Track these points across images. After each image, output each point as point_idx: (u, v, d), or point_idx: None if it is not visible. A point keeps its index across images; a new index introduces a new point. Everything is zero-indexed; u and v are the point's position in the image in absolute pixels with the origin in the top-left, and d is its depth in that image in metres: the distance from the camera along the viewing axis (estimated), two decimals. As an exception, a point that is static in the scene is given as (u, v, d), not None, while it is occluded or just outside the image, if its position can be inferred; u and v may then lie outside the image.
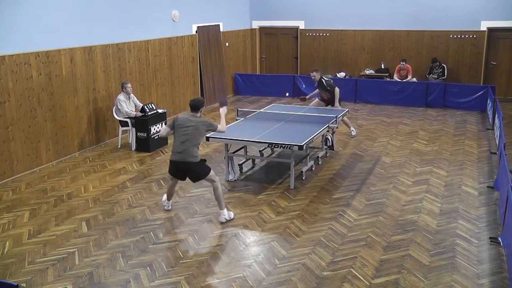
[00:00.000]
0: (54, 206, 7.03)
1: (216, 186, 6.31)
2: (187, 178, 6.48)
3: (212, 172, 6.32)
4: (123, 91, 9.53)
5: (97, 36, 9.67)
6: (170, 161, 6.34)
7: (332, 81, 10.45)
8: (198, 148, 6.26)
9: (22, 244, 5.92)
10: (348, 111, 9.71)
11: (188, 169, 6.24)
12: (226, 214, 6.45)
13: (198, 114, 6.31)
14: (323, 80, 10.10)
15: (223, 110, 6.73)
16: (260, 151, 9.18)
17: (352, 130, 10.44)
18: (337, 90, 10.02)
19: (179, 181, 6.68)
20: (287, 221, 6.42)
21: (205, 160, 6.41)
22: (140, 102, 9.90)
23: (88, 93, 9.55)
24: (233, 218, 6.48)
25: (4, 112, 7.86)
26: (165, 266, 5.36)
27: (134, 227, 6.33)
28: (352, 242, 5.85)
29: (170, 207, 6.86)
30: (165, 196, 6.84)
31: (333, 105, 10.13)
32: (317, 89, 10.40)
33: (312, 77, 10.11)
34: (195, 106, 6.30)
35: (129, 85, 9.55)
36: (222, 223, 6.37)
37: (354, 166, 8.55)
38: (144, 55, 11.09)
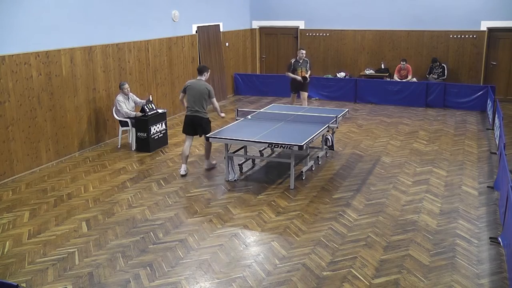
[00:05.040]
0: (54, 206, 7.03)
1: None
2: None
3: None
4: (121, 92, 9.53)
5: (97, 36, 9.67)
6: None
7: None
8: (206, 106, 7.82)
9: (22, 244, 5.93)
10: (348, 111, 9.72)
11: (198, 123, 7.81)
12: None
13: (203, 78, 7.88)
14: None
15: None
16: (260, 151, 9.18)
17: None
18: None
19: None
20: (287, 221, 6.42)
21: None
22: (140, 99, 9.88)
23: (88, 93, 9.55)
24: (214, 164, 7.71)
25: (4, 112, 7.86)
26: (165, 266, 5.36)
27: (134, 227, 6.33)
28: (352, 242, 5.85)
29: (185, 172, 7.95)
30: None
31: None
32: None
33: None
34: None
35: (126, 85, 9.52)
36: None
37: (354, 166, 8.55)
38: (144, 55, 11.09)
